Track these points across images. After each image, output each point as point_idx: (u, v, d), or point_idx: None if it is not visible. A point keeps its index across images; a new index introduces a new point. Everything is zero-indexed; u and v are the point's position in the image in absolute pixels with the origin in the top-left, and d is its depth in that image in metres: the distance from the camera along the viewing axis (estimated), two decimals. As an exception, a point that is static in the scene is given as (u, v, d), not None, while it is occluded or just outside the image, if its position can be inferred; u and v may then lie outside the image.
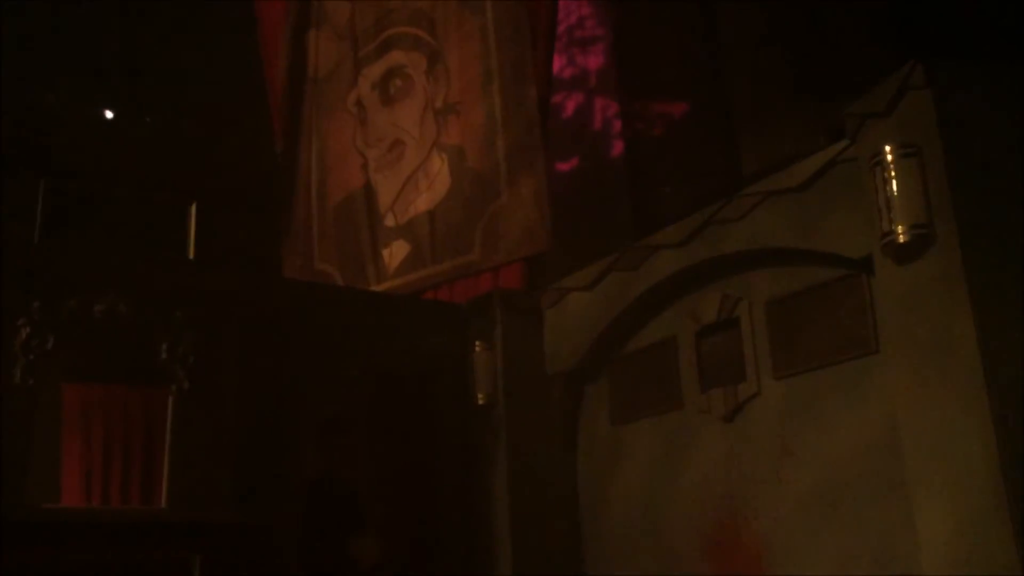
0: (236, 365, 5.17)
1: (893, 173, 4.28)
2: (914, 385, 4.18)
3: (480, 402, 6.10)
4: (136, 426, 5.16)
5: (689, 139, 7.50)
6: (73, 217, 4.92)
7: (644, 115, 7.80)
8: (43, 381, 4.71)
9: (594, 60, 8.09)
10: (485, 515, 5.93)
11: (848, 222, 4.58)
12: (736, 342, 5.19)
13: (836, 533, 4.58)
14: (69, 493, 5.03)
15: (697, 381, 5.39)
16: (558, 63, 7.72)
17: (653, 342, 5.76)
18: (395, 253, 7.58)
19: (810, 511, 4.70)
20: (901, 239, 4.21)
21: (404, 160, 7.73)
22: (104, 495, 5.08)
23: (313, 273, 8.01)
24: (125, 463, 5.19)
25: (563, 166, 8.06)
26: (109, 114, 5.28)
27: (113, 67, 8.88)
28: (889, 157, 4.30)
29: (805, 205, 4.82)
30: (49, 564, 4.45)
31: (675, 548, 5.33)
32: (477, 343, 6.20)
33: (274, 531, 5.20)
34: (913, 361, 4.20)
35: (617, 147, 7.88)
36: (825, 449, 4.69)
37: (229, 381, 5.12)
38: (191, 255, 5.18)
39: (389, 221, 7.73)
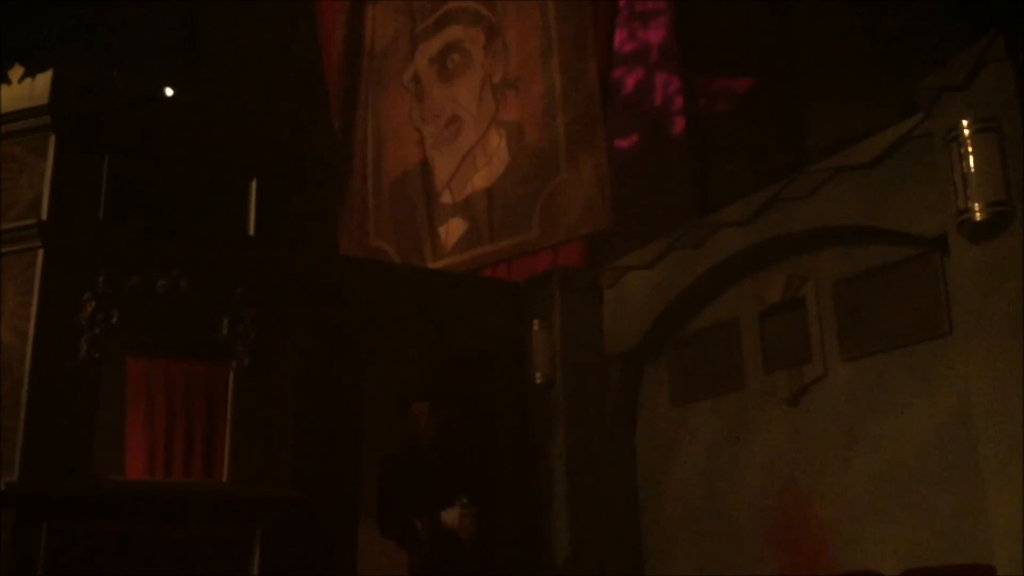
0: (295, 342, 5.18)
1: (970, 148, 4.15)
2: (989, 368, 4.06)
3: (538, 382, 6.06)
4: (198, 401, 5.21)
5: (753, 115, 7.33)
6: (135, 194, 4.95)
7: (706, 90, 7.64)
8: (108, 355, 4.77)
9: (655, 34, 7.94)
10: (543, 495, 5.89)
11: (921, 199, 4.44)
12: (802, 323, 5.07)
13: (904, 520, 4.47)
14: (133, 466, 5.10)
15: (760, 362, 5.29)
16: (619, 37, 7.59)
17: (715, 322, 5.66)
18: (452, 230, 7.55)
19: (877, 497, 4.59)
20: (977, 217, 4.08)
21: (461, 136, 7.68)
22: (167, 469, 5.14)
23: (368, 250, 8.03)
24: (187, 437, 5.25)
25: (623, 143, 7.95)
26: (169, 91, 5.29)
27: (173, 43, 8.97)
28: (966, 132, 4.16)
29: (876, 182, 4.68)
30: (114, 536, 4.52)
31: (737, 532, 5.25)
32: (535, 322, 6.14)
33: (333, 507, 5.23)
34: (988, 343, 4.07)
35: (679, 123, 7.73)
36: (894, 433, 4.58)
37: (288, 358, 5.14)
38: (251, 232, 5.18)
39: (446, 198, 7.70)
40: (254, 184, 5.22)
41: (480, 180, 7.43)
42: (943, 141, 4.27)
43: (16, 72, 4.94)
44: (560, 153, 6.85)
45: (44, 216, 4.73)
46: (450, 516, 4.63)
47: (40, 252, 4.69)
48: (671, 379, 5.91)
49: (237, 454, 4.87)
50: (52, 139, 4.83)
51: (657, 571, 5.68)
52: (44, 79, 4.83)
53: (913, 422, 4.51)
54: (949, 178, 4.22)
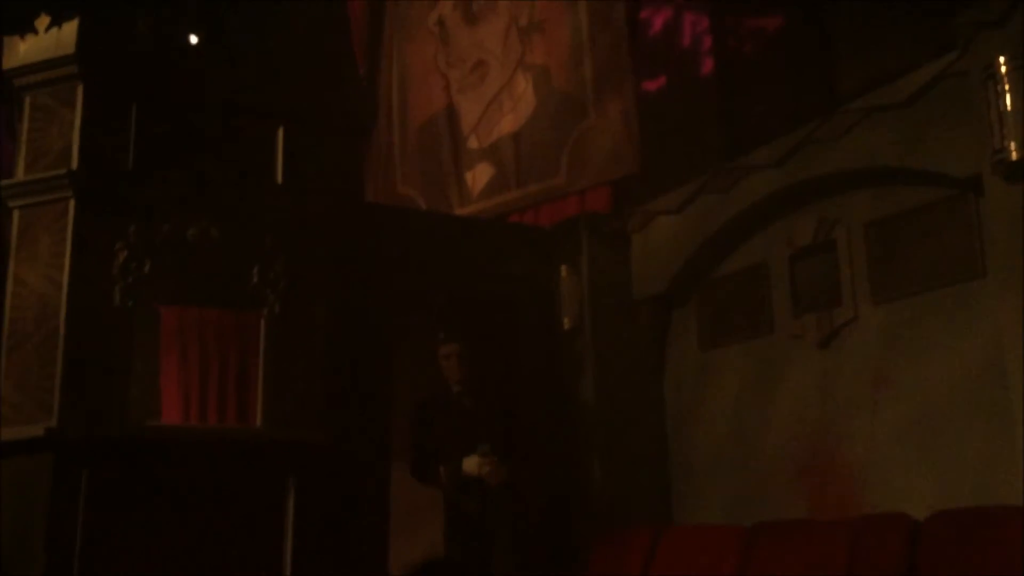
0: (324, 290, 5.21)
1: (1007, 86, 4.06)
2: (1023, 311, 4.01)
3: (566, 327, 6.07)
4: (231, 349, 5.28)
5: (783, 55, 7.18)
6: (164, 143, 4.96)
7: (736, 30, 7.48)
8: (141, 304, 4.82)
9: (683, -28, 7.77)
10: (572, 440, 5.94)
11: (956, 139, 4.37)
12: (832, 266, 5.03)
13: (934, 463, 4.47)
14: (169, 412, 5.19)
15: (790, 306, 5.26)
16: (646, -24, 7.45)
17: (744, 266, 5.63)
18: (478, 176, 7.50)
19: (907, 440, 4.59)
20: (1013, 156, 4.01)
21: (487, 81, 7.60)
22: (201, 415, 5.23)
23: (395, 197, 8.01)
24: (221, 384, 5.33)
25: (650, 85, 7.82)
26: (194, 39, 5.26)
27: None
28: (1003, 69, 4.07)
29: (909, 122, 4.60)
30: (152, 480, 4.61)
31: (765, 475, 5.27)
32: (563, 267, 6.14)
33: (364, 452, 5.31)
34: (1023, 285, 4.01)
35: (707, 65, 7.59)
36: (925, 376, 4.56)
37: (318, 305, 5.17)
38: (279, 180, 5.19)
39: (472, 143, 7.64)
40: (281, 132, 5.21)
41: (507, 125, 7.35)
42: (979, 79, 4.18)
43: (43, 22, 4.93)
44: (587, 97, 6.76)
45: (74, 166, 4.75)
46: (471, 464, 4.65)
47: (71, 202, 4.72)
48: (699, 323, 5.90)
49: (270, 400, 4.93)
50: (80, 89, 4.84)
51: (686, 514, 5.73)
52: (71, 28, 4.81)
53: (944, 365, 4.49)
54: (985, 117, 4.14)
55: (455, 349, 4.82)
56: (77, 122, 4.82)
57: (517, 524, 4.75)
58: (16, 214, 4.80)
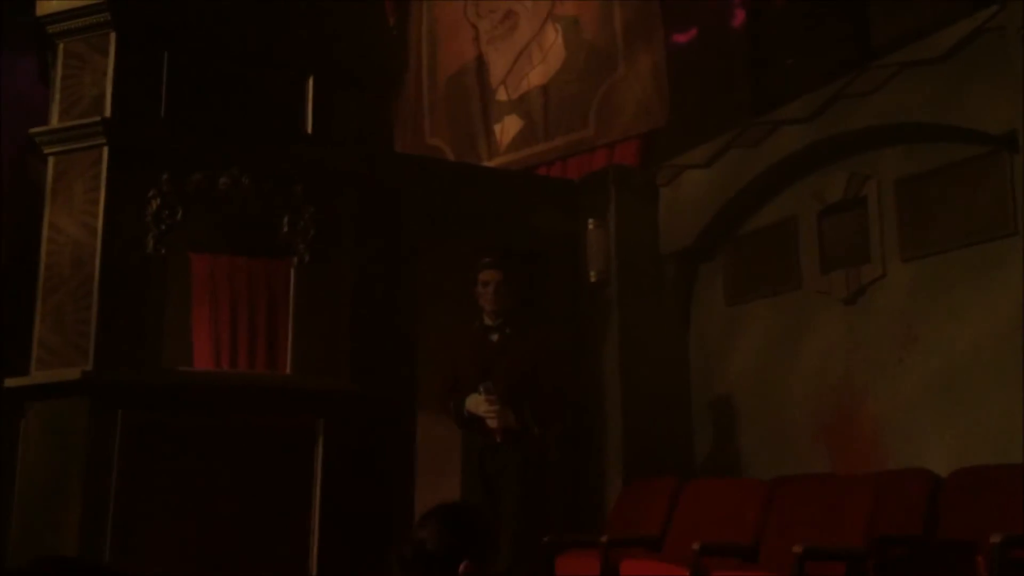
0: (353, 239, 5.25)
1: (1046, 43, 3.99)
2: (1055, 269, 3.99)
3: (592, 280, 6.09)
4: (260, 297, 5.33)
5: (816, 7, 7.07)
6: (195, 91, 4.98)
7: (768, -19, 7.38)
8: (173, 251, 4.88)
9: (716, -78, 7.65)
10: (597, 393, 5.99)
11: (991, 96, 4.32)
12: (862, 222, 5.01)
13: (957, 421, 4.48)
14: (200, 358, 5.27)
15: (818, 262, 5.26)
16: (677, -74, 7.33)
17: (772, 222, 5.62)
18: (507, 128, 7.51)
19: (931, 397, 4.60)
20: (1051, 113, 3.96)
21: (517, 32, 7.56)
22: (232, 361, 5.30)
23: (424, 148, 8.03)
24: (251, 331, 5.39)
25: (680, 38, 7.74)
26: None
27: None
28: (1043, 25, 4.00)
29: (944, 77, 4.55)
30: (184, 423, 4.70)
31: (789, 430, 5.31)
32: (590, 220, 6.15)
33: (391, 398, 5.39)
34: (1055, 244, 4.00)
35: (738, 16, 7.50)
36: (952, 334, 4.55)
37: (347, 254, 5.21)
38: (309, 130, 5.21)
39: (501, 95, 7.63)
40: (311, 82, 5.22)
41: (536, 77, 7.34)
42: (1017, 35, 4.12)
43: (76, -32, 4.95)
44: (618, 49, 6.72)
45: (108, 113, 4.79)
46: (473, 402, 4.32)
47: (105, 149, 4.76)
48: (726, 278, 5.91)
49: (299, 347, 4.99)
50: (113, 36, 4.86)
51: (708, 467, 5.79)
52: (104, -25, 4.82)
53: (973, 323, 4.48)
54: (1021, 73, 4.08)
55: (495, 276, 4.48)
56: (110, 70, 4.83)
57: (530, 474, 4.32)
58: (51, 161, 4.85)
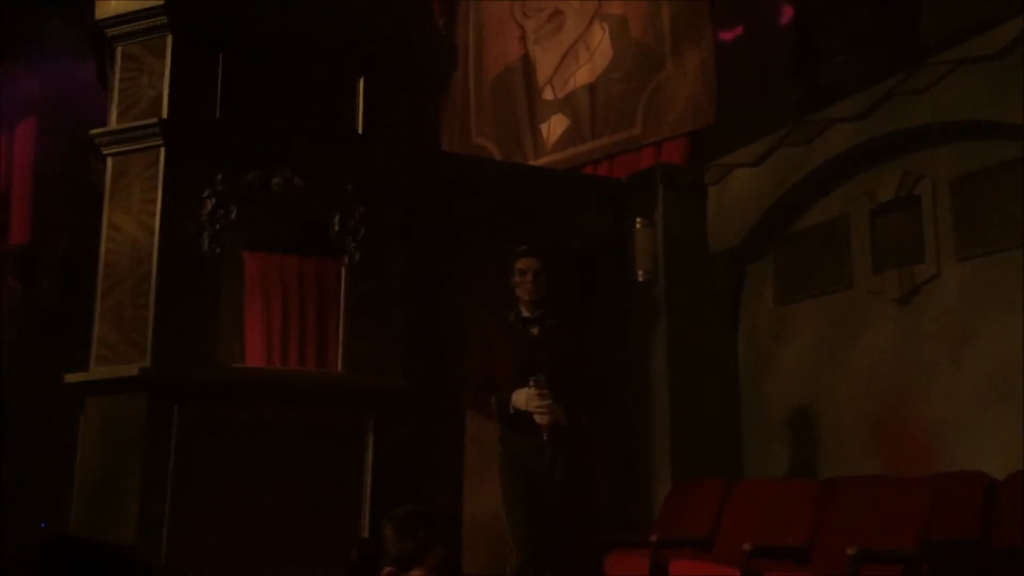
0: (402, 238, 5.29)
1: (1105, 39, 3.92)
2: (1115, 270, 3.92)
3: (640, 279, 6.08)
4: (311, 295, 5.40)
5: (866, 3, 7.00)
6: (250, 92, 5.05)
7: (818, -23, 7.31)
8: (228, 250, 4.95)
9: (764, -82, 7.59)
10: (644, 393, 5.98)
11: (1050, 93, 4.24)
12: (915, 221, 4.96)
13: (1013, 422, 4.41)
14: (252, 355, 5.35)
15: (870, 261, 5.21)
16: (725, -77, 7.29)
17: (823, 221, 5.58)
18: (554, 127, 7.52)
19: (987, 399, 4.54)
20: (1111, 111, 3.88)
21: (564, 31, 7.57)
22: (283, 358, 5.38)
23: (471, 147, 8.07)
24: (301, 330, 5.46)
25: (727, 35, 7.71)
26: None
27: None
28: (1102, 21, 3.93)
29: (1001, 75, 4.49)
30: (238, 419, 4.78)
31: (837, 431, 5.27)
32: (638, 220, 6.14)
33: (440, 396, 5.42)
34: (1115, 244, 3.92)
35: (786, 13, 7.44)
36: (1009, 334, 4.49)
37: (396, 254, 5.25)
38: (360, 130, 5.26)
39: (548, 94, 7.64)
40: (361, 82, 5.27)
41: (582, 76, 7.33)
42: (1076, 31, 4.06)
43: (133, -26, 5.05)
44: (665, 47, 6.70)
45: (164, 115, 4.88)
46: (520, 396, 4.04)
47: (162, 150, 4.85)
48: (775, 278, 5.87)
49: (350, 346, 5.04)
50: (169, 39, 4.95)
51: (756, 469, 5.75)
52: (160, -21, 4.91)
53: (1028, 324, 4.41)
54: (1081, 70, 4.02)
55: (534, 265, 4.22)
56: (167, 72, 4.92)
57: (581, 471, 4.14)
58: (110, 161, 4.95)
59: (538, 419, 4.01)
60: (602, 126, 7.07)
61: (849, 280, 5.34)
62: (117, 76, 5.07)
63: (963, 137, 4.78)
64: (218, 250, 4.87)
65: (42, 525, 7.44)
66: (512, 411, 4.08)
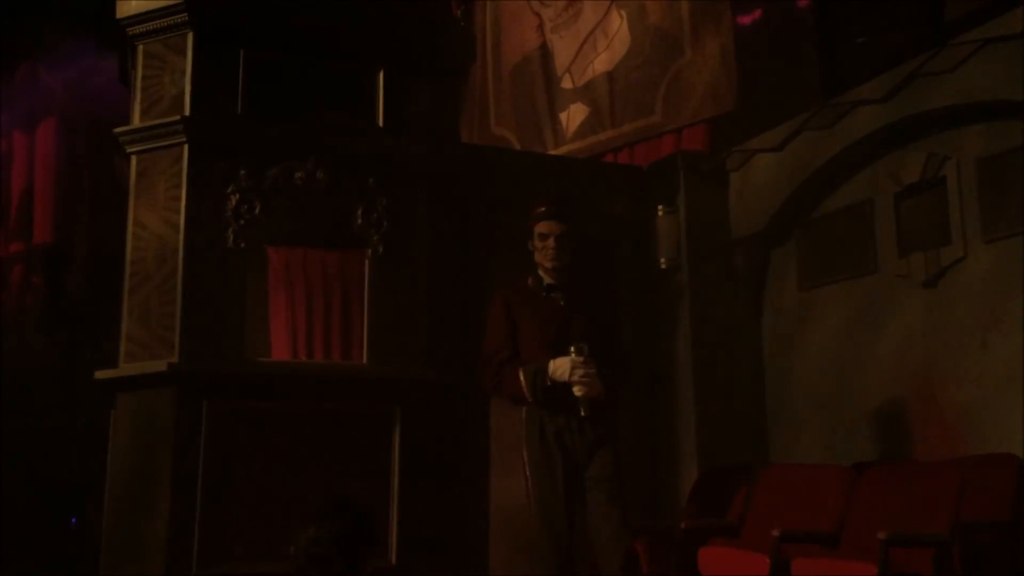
0: (426, 230, 5.31)
1: None
2: None
3: (663, 266, 6.07)
4: (335, 288, 5.42)
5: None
6: (270, 87, 5.08)
7: (837, -42, 7.25)
8: (252, 245, 4.99)
9: (782, -102, 7.53)
10: (669, 380, 5.97)
11: (1077, 71, 4.20)
12: (941, 204, 4.92)
13: (1044, 404, 4.38)
14: (278, 349, 5.39)
15: (895, 245, 5.17)
16: (741, -98, 7.24)
17: (847, 205, 5.54)
18: (573, 116, 7.50)
19: (1016, 381, 4.50)
20: None
21: (581, 19, 7.55)
22: (309, 351, 5.41)
23: (490, 137, 8.07)
24: (326, 322, 5.49)
25: (745, 19, 7.66)
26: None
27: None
28: None
29: (1026, 54, 4.43)
30: (266, 412, 4.82)
31: (864, 416, 5.24)
32: (659, 207, 6.12)
33: (465, 386, 5.43)
34: None
35: (805, -4, 7.38)
36: (1037, 316, 4.45)
37: (419, 245, 5.27)
38: (380, 123, 5.27)
39: (566, 83, 7.63)
40: (381, 75, 5.28)
41: (601, 64, 7.31)
42: (1103, 7, 4.01)
43: (153, -28, 5.07)
44: (684, 33, 6.67)
45: (187, 112, 4.91)
46: (560, 366, 3.65)
47: (185, 147, 4.89)
48: (799, 263, 5.84)
49: (375, 337, 5.07)
50: (190, 36, 4.97)
51: (783, 455, 5.74)
52: (180, -23, 4.94)
53: (1058, 305, 4.38)
54: (1107, 47, 3.97)
55: (557, 228, 3.87)
56: (188, 69, 4.95)
57: (619, 452, 3.79)
58: (134, 159, 4.99)
59: (577, 391, 3.63)
60: (621, 114, 7.05)
61: (875, 264, 5.31)
62: (139, 74, 5.11)
63: (988, 117, 4.73)
64: (243, 245, 4.90)
65: (72, 521, 7.53)
66: (549, 383, 3.68)
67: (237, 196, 4.90)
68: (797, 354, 5.77)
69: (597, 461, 3.72)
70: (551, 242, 3.89)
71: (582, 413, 3.68)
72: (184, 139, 4.89)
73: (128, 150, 5.02)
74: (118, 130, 5.04)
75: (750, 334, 6.04)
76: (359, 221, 5.13)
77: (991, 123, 4.72)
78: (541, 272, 3.96)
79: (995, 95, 4.59)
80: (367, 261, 5.16)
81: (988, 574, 3.77)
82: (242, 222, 4.89)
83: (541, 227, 3.93)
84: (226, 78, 4.99)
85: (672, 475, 5.84)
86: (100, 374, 4.82)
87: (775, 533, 4.21)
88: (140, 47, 5.11)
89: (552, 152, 7.45)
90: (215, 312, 4.82)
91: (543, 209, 3.95)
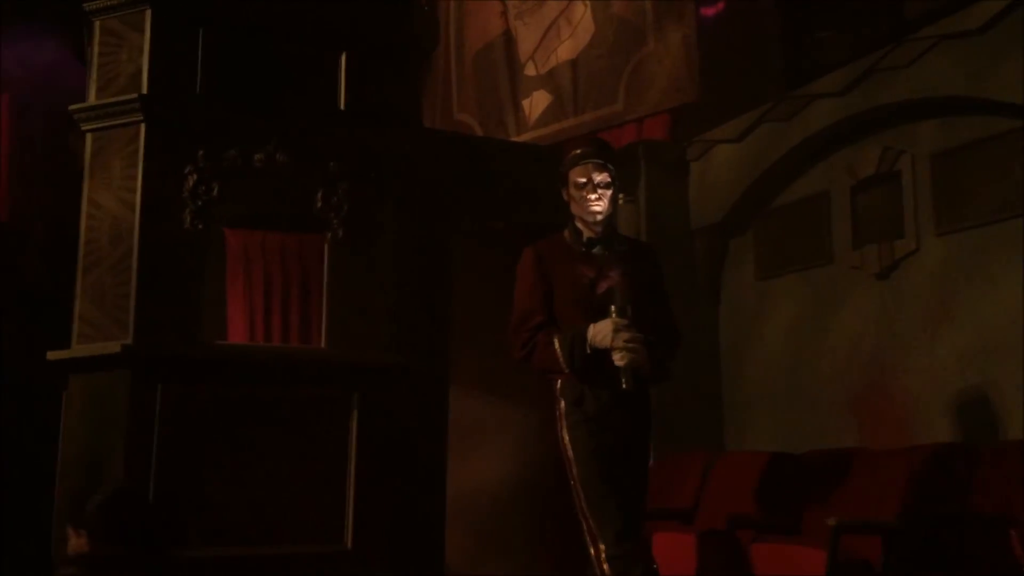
0: (386, 214, 5.27)
1: (1086, 14, 3.96)
2: (1092, 244, 3.98)
3: (622, 254, 6.07)
4: (294, 272, 5.38)
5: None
6: (230, 68, 5.01)
7: (800, -48, 7.31)
8: (210, 227, 4.92)
9: None
10: (626, 365, 6.00)
11: (1030, 69, 4.28)
12: (895, 197, 5.00)
13: (991, 397, 4.48)
14: (235, 332, 5.34)
15: (850, 237, 5.25)
16: None
17: (804, 196, 5.61)
18: (536, 103, 7.49)
19: (965, 374, 4.61)
20: (1090, 87, 3.92)
21: (545, 6, 7.53)
22: (266, 335, 5.37)
23: (452, 123, 8.04)
24: (284, 306, 5.45)
25: (709, 10, 7.69)
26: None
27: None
28: (1083, -4, 3.96)
29: (982, 50, 4.52)
30: (222, 395, 4.76)
31: (819, 404, 5.33)
32: (620, 196, 6.11)
33: (426, 372, 5.43)
34: (1093, 218, 3.98)
35: (768, -11, 7.43)
36: (986, 310, 4.55)
37: (380, 230, 5.23)
38: (342, 106, 5.23)
39: (530, 70, 7.61)
40: (343, 58, 5.23)
41: (564, 52, 7.31)
42: (1056, 7, 4.09)
43: (110, -53, 4.97)
44: (647, 23, 6.68)
45: (144, 90, 4.82)
46: (600, 333, 3.11)
47: (142, 126, 4.80)
48: (757, 253, 5.91)
49: (334, 321, 5.03)
50: (148, 13, 4.89)
51: (737, 442, 5.81)
52: (138, -47, 4.85)
53: (1007, 299, 4.47)
54: (1060, 46, 4.05)
55: (598, 174, 3.33)
56: (146, 47, 4.85)
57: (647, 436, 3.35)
58: (89, 137, 4.89)
59: (619, 359, 3.07)
60: (584, 102, 7.06)
61: (830, 255, 5.39)
62: (96, 51, 5.00)
63: (944, 113, 4.82)
64: (200, 227, 4.83)
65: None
66: (589, 351, 3.14)
67: (195, 177, 4.82)
68: (753, 343, 5.84)
69: (635, 441, 3.24)
70: (590, 190, 3.33)
71: (623, 386, 3.08)
72: (141, 118, 4.79)
73: (83, 128, 4.92)
74: (73, 107, 4.94)
75: (707, 323, 6.10)
76: (319, 204, 5.07)
77: (945, 119, 4.80)
78: (580, 224, 3.40)
79: (950, 91, 4.67)
80: (326, 245, 5.11)
81: (935, 561, 3.85)
82: (200, 203, 4.81)
83: (578, 172, 3.36)
84: (185, 57, 4.90)
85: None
86: (52, 355, 4.73)
87: (728, 518, 4.26)
88: (97, 23, 5.00)
89: (514, 139, 7.44)
90: (171, 294, 4.74)
91: (579, 151, 3.42)
